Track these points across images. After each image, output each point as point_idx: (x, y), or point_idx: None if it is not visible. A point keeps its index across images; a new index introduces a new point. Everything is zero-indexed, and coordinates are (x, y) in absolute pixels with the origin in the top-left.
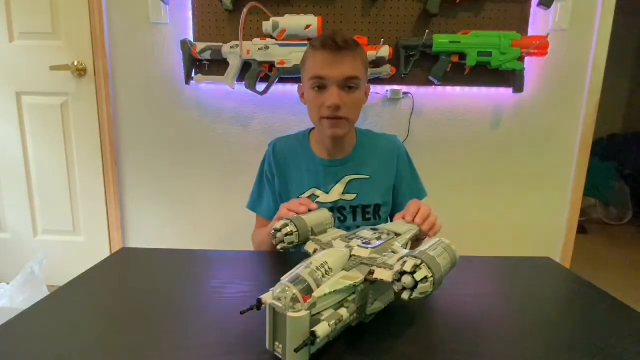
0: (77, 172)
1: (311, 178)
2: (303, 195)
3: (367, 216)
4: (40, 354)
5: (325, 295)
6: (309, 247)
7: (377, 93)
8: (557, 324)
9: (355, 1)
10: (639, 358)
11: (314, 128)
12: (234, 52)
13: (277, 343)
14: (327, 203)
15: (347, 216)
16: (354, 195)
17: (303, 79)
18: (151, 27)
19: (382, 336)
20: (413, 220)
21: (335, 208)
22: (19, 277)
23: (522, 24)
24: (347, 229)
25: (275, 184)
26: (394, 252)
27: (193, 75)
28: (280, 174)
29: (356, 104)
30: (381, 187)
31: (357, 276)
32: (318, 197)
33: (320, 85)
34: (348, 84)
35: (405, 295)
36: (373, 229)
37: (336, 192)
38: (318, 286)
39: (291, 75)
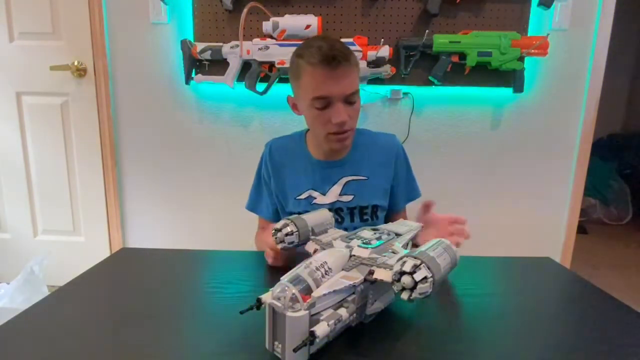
0: (77, 172)
1: (307, 179)
2: (300, 197)
3: (365, 217)
4: (40, 354)
5: (324, 295)
6: (309, 247)
7: (377, 93)
8: (556, 323)
9: (355, 1)
10: (639, 358)
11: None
12: (234, 52)
13: (276, 343)
14: (324, 204)
15: (344, 217)
16: (351, 197)
17: (297, 93)
18: (151, 27)
19: (382, 336)
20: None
21: (333, 209)
22: (19, 277)
23: (522, 24)
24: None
25: (272, 185)
26: (394, 252)
27: (193, 75)
28: (276, 175)
29: (358, 113)
30: (379, 188)
31: (357, 276)
32: (315, 198)
33: (325, 104)
34: (350, 99)
35: (404, 296)
36: (373, 229)
37: (333, 194)
38: (317, 286)
39: None
